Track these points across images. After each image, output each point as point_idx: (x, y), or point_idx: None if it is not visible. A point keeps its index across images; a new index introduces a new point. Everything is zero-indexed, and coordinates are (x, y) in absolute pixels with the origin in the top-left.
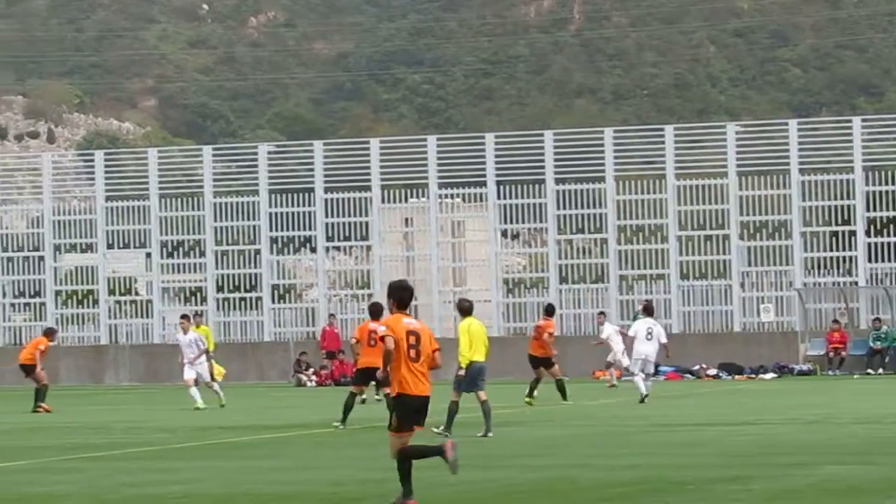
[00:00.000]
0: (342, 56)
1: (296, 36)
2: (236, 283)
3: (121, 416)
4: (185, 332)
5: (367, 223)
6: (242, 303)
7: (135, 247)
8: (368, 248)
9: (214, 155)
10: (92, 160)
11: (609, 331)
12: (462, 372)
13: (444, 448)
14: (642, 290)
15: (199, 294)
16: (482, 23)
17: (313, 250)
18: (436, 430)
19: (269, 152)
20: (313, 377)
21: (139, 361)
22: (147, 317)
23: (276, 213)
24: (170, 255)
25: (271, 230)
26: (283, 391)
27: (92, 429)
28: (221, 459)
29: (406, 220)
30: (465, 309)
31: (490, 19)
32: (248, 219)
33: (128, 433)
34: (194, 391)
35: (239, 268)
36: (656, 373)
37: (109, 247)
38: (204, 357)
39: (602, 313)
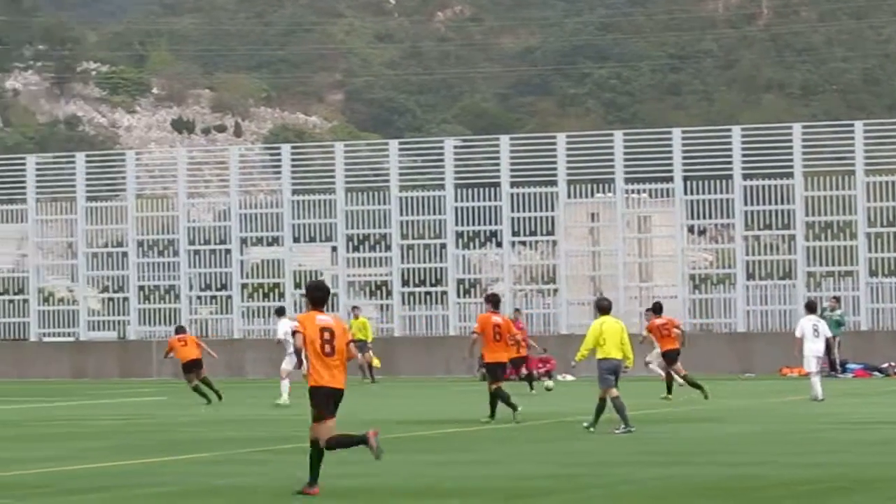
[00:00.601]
0: (529, 50)
1: (482, 30)
2: (422, 278)
3: (303, 409)
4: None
5: (552, 218)
6: (428, 297)
7: (321, 240)
8: (554, 242)
9: (400, 149)
10: (279, 154)
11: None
12: (574, 364)
13: (367, 436)
14: (830, 287)
15: (384, 288)
16: (670, 17)
17: (499, 245)
18: (617, 431)
19: (456, 147)
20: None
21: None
22: (333, 310)
23: (461, 208)
24: (355, 248)
25: (457, 224)
26: (469, 386)
27: (277, 421)
28: (405, 453)
29: (592, 215)
30: (602, 307)
31: (678, 14)
32: (434, 213)
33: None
34: (286, 385)
35: (424, 262)
36: (843, 370)
37: (295, 240)
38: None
39: (650, 310)
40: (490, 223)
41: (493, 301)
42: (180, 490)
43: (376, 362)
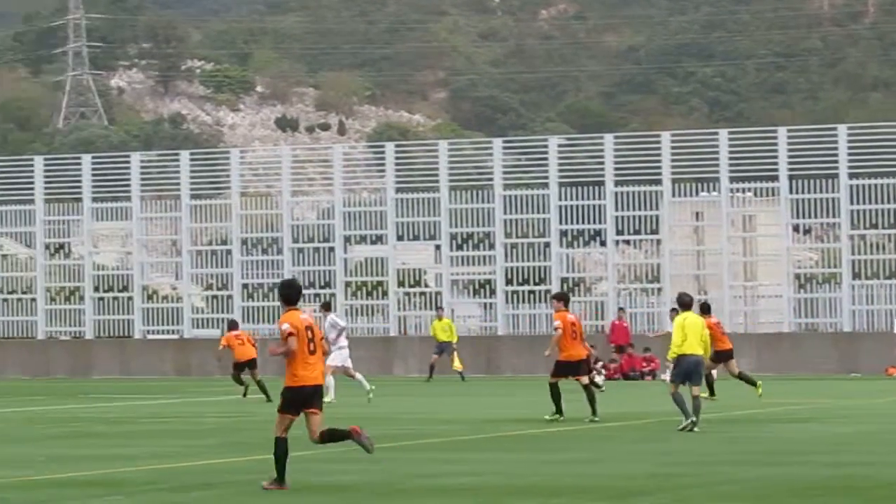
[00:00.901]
0: (633, 49)
1: (586, 28)
2: (525, 276)
3: (408, 406)
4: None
5: (656, 217)
6: (531, 296)
7: (424, 239)
8: (658, 241)
9: (504, 147)
10: (382, 152)
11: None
12: (670, 363)
13: (352, 431)
14: None
15: (487, 287)
16: (775, 15)
17: (603, 244)
18: (678, 428)
19: (560, 145)
20: (602, 371)
21: (427, 353)
22: (431, 309)
23: (565, 206)
24: (459, 247)
25: (561, 223)
26: (572, 384)
27: (380, 419)
28: (510, 452)
29: (696, 214)
30: (684, 303)
31: (783, 12)
32: (538, 211)
33: (415, 424)
34: (331, 381)
35: (528, 261)
36: None
37: (399, 238)
38: (345, 342)
39: (674, 310)
40: (594, 222)
41: (564, 299)
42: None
43: (458, 364)
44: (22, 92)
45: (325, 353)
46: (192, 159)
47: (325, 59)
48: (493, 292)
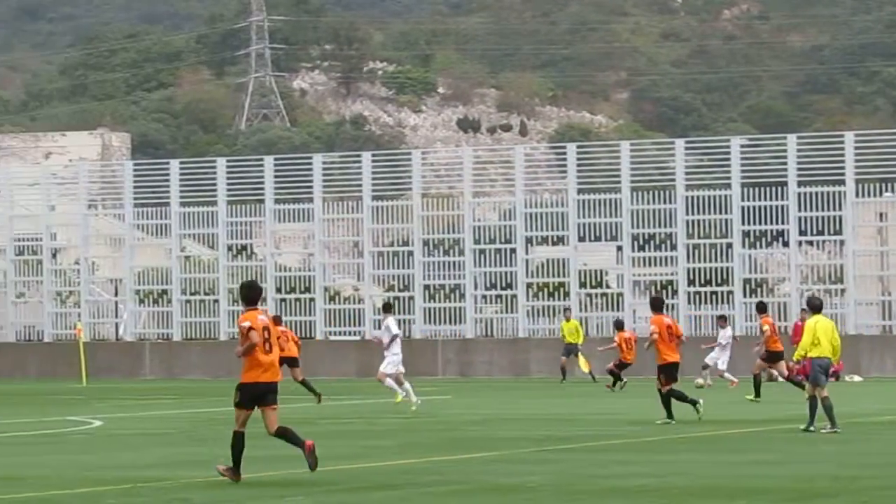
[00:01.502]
0: (817, 48)
1: (769, 28)
2: (707, 277)
3: (593, 407)
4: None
5: (840, 217)
6: (714, 296)
7: (606, 240)
8: (841, 242)
9: (687, 148)
10: (564, 153)
11: (727, 336)
12: (793, 363)
13: (305, 444)
14: None
15: (669, 287)
16: None
17: (785, 244)
18: (823, 430)
19: (742, 146)
20: (784, 372)
21: (611, 353)
22: (618, 310)
23: (748, 207)
24: (641, 248)
25: (743, 224)
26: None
27: (564, 420)
28: (692, 453)
29: (880, 214)
30: (815, 306)
31: None
32: (720, 212)
33: (600, 425)
34: (390, 382)
35: (710, 262)
36: None
37: (580, 239)
38: (398, 349)
39: (723, 317)
40: (777, 222)
41: (657, 305)
42: (465, 489)
43: (584, 365)
44: (205, 94)
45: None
46: (373, 160)
47: (506, 60)
48: (674, 293)
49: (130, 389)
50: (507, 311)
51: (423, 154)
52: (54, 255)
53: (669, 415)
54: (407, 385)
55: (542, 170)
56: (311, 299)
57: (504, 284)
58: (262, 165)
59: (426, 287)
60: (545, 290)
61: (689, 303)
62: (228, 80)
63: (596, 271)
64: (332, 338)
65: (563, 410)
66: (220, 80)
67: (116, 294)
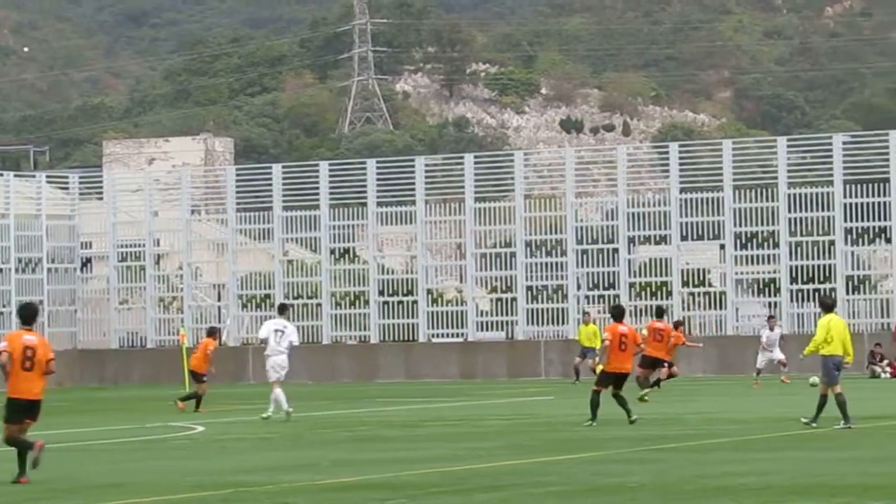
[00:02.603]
0: None
1: (872, 25)
2: (810, 275)
3: (694, 407)
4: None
5: None
6: (816, 294)
7: (708, 238)
8: None
9: (789, 145)
10: (666, 152)
11: (775, 336)
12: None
13: (34, 444)
14: None
15: (772, 285)
16: None
17: (888, 241)
18: (836, 427)
19: (845, 143)
20: (887, 369)
21: (713, 352)
22: (721, 308)
23: (850, 204)
24: (743, 246)
25: (846, 221)
26: (858, 382)
27: (665, 420)
28: (796, 450)
29: None
30: (827, 305)
31: None
32: (823, 209)
33: (702, 424)
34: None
35: (813, 259)
36: None
37: (683, 238)
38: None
39: (772, 317)
40: (879, 219)
41: (616, 313)
42: (568, 489)
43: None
44: (308, 97)
45: (49, 373)
46: (476, 162)
47: (609, 60)
48: (777, 291)
49: (234, 394)
50: (602, 312)
51: (525, 155)
52: (157, 261)
53: (593, 417)
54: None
55: (645, 169)
56: (414, 302)
57: (607, 284)
58: (364, 168)
59: (529, 288)
60: (648, 289)
61: (791, 300)
62: (331, 84)
63: (698, 270)
64: (435, 340)
65: (668, 409)
66: (323, 84)
67: (220, 299)
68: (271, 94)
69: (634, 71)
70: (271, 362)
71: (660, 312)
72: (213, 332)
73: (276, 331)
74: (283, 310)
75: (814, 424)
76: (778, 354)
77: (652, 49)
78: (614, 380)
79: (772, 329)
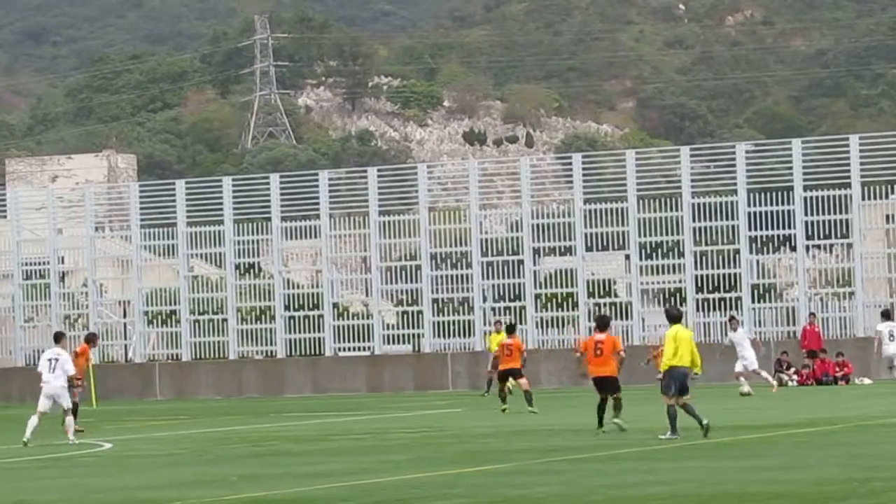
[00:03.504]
0: (821, 52)
1: (773, 33)
2: (715, 284)
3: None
4: None
5: (847, 220)
6: (722, 303)
7: (613, 249)
8: (849, 245)
9: (692, 155)
10: (570, 163)
11: (739, 337)
12: (661, 376)
13: None
14: None
15: (678, 295)
16: None
17: (793, 249)
18: (662, 436)
19: (747, 151)
20: (794, 377)
21: (628, 363)
22: (627, 318)
23: (754, 213)
24: (648, 256)
25: (750, 230)
26: (765, 390)
27: (574, 431)
28: (702, 460)
29: (888, 216)
30: (673, 316)
31: None
32: (727, 219)
33: (609, 435)
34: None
35: (718, 268)
36: None
37: (588, 249)
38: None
39: (733, 318)
40: (784, 227)
41: (602, 323)
42: (475, 501)
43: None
44: (210, 113)
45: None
46: (380, 175)
47: (511, 72)
48: (683, 301)
49: (141, 411)
50: (517, 323)
51: (429, 168)
52: (62, 279)
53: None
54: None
55: (549, 180)
56: (320, 316)
57: (513, 296)
58: (268, 183)
59: (435, 301)
60: (554, 300)
61: (697, 310)
62: (233, 99)
63: (604, 280)
64: (342, 354)
65: (576, 421)
66: (225, 99)
67: (125, 316)
68: (173, 109)
69: (537, 82)
70: (44, 391)
71: (510, 329)
72: (89, 339)
73: (49, 360)
74: (58, 339)
75: (676, 436)
76: (750, 359)
77: (554, 60)
78: (602, 385)
79: (735, 330)
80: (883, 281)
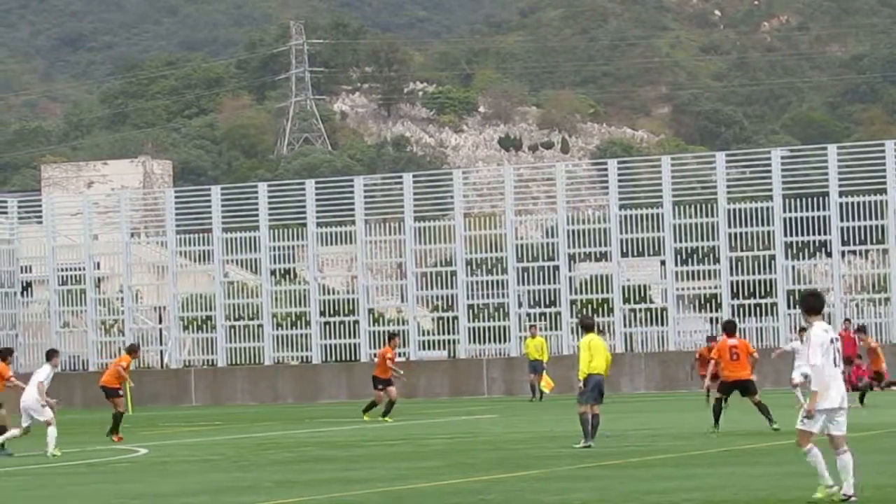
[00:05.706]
0: (857, 58)
1: (809, 39)
2: (751, 289)
3: (637, 423)
4: None
5: (883, 226)
6: (758, 308)
7: (649, 254)
8: (885, 251)
9: (728, 161)
10: (606, 169)
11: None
12: (581, 385)
13: None
14: None
15: (713, 301)
16: None
17: (829, 255)
18: (576, 445)
19: (783, 157)
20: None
21: (655, 369)
22: (662, 324)
23: (790, 218)
24: (684, 262)
25: (786, 235)
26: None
27: (610, 436)
28: (740, 466)
29: None
30: (587, 325)
31: None
32: (763, 224)
33: (645, 440)
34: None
35: (753, 274)
36: None
37: (624, 255)
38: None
39: (804, 330)
40: (819, 233)
41: (730, 328)
42: None
43: (546, 385)
44: (246, 119)
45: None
46: (415, 181)
47: (547, 78)
48: (718, 306)
49: (176, 416)
50: (551, 329)
51: (464, 174)
52: (98, 285)
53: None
54: (15, 432)
55: (584, 186)
56: (356, 322)
57: (548, 302)
58: (303, 189)
59: (470, 307)
60: (589, 306)
61: (732, 315)
62: (269, 105)
63: (639, 286)
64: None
65: (611, 427)
66: (260, 105)
67: (161, 321)
68: (209, 116)
69: (572, 88)
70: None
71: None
72: (131, 350)
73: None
74: (49, 356)
75: (589, 445)
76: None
77: (589, 66)
78: (737, 387)
79: (801, 341)
80: None
